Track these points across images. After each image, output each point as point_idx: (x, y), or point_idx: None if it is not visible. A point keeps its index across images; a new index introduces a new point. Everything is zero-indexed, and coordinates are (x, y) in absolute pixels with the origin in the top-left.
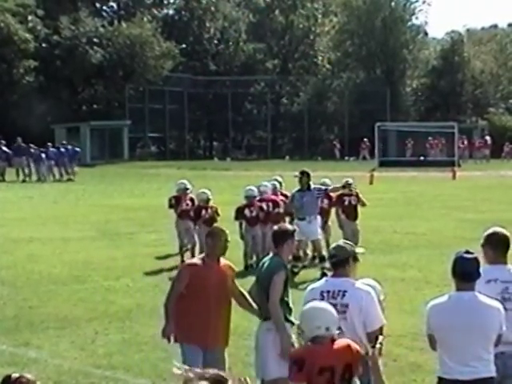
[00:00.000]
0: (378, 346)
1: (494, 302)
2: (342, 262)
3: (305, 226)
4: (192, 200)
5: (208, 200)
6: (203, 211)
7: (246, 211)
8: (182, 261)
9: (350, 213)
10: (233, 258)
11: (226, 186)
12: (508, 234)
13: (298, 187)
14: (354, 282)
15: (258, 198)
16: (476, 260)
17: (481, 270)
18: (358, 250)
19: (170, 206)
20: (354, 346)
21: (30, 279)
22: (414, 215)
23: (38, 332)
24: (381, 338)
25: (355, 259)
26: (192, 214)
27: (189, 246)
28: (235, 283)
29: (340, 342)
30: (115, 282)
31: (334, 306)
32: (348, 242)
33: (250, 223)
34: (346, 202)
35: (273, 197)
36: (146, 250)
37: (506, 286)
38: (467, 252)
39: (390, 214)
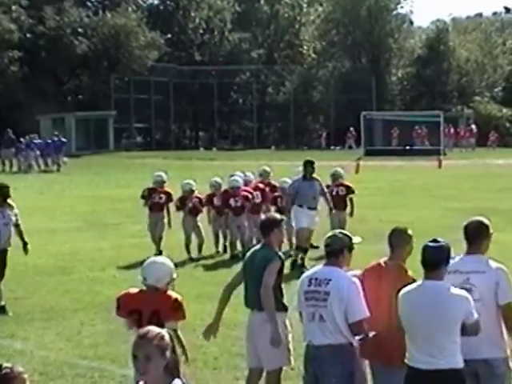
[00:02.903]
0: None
1: (460, 291)
2: (336, 251)
3: (306, 214)
4: (166, 193)
5: (192, 191)
6: (231, 200)
7: (231, 201)
8: (160, 252)
9: (338, 203)
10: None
11: (211, 176)
12: (484, 222)
13: (301, 175)
14: (341, 272)
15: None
16: (442, 248)
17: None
18: (355, 239)
19: (143, 197)
20: (175, 296)
21: (15, 270)
22: (400, 204)
23: (24, 323)
24: (371, 333)
25: (350, 249)
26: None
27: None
28: None
29: (163, 293)
30: (101, 273)
31: (318, 293)
32: (344, 231)
33: (236, 213)
34: (334, 192)
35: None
36: (131, 240)
37: (466, 276)
38: (434, 240)
39: (375, 203)
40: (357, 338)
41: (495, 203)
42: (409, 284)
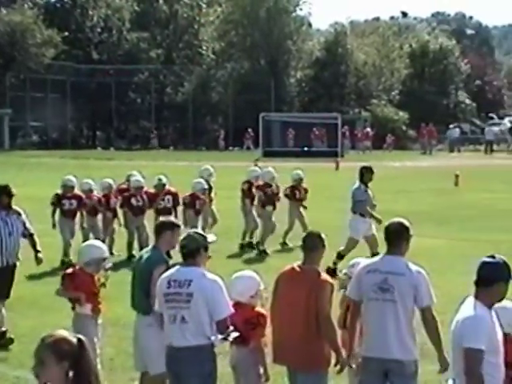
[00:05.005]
0: (230, 339)
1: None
2: (192, 252)
3: (366, 222)
4: (77, 197)
5: (90, 190)
6: (132, 199)
7: (133, 200)
8: (65, 263)
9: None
10: (117, 247)
11: (108, 176)
12: (404, 224)
13: (357, 182)
14: (201, 272)
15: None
16: None
17: (367, 260)
18: (210, 238)
19: (52, 204)
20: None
21: None
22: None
23: None
24: (234, 334)
25: (206, 249)
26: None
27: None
28: None
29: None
30: None
31: (179, 294)
32: (199, 231)
33: (135, 213)
34: (297, 195)
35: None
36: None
37: (385, 276)
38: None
39: None
40: (220, 337)
41: (392, 205)
42: (325, 288)
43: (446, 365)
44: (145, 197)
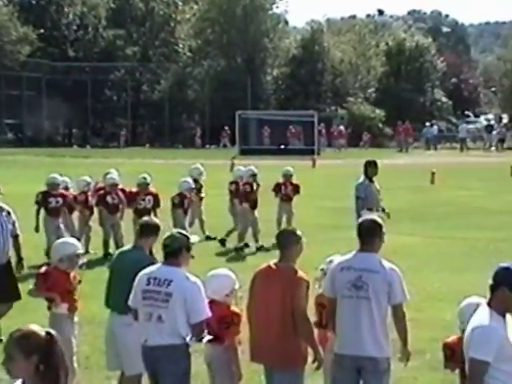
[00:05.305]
0: (204, 341)
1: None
2: (175, 252)
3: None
4: (63, 196)
5: (66, 188)
6: (108, 197)
7: (108, 198)
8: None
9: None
10: (93, 245)
11: (85, 174)
12: (377, 221)
13: (362, 177)
14: (182, 273)
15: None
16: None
17: (341, 257)
18: (192, 238)
19: (37, 203)
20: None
21: None
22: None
23: None
24: (207, 337)
25: (188, 249)
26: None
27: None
28: None
29: None
30: None
31: (158, 293)
32: (182, 232)
33: (110, 211)
34: (283, 191)
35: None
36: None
37: (359, 274)
38: None
39: None
40: (194, 339)
41: None
42: (301, 285)
43: (407, 355)
44: (120, 194)
